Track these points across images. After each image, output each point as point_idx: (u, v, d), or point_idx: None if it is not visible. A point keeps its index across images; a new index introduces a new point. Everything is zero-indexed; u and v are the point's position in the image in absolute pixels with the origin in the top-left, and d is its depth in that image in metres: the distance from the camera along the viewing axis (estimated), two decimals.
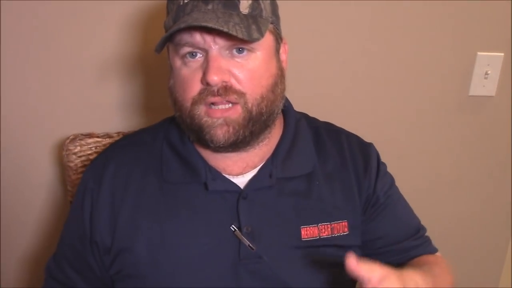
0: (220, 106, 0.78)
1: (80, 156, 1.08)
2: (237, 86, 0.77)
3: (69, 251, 0.91)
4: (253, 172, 0.86)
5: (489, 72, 1.33)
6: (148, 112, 1.20)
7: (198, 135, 0.81)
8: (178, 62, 0.80)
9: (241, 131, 0.79)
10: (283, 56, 0.86)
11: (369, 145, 0.96)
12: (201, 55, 0.78)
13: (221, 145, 0.80)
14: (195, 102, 0.78)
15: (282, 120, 0.91)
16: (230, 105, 0.78)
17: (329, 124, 0.98)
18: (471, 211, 1.49)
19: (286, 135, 0.89)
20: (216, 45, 0.76)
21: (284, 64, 0.86)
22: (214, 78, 0.75)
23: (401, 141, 1.37)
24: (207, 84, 0.76)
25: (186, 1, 0.77)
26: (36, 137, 1.17)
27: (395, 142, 1.36)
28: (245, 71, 0.78)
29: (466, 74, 1.34)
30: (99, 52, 1.14)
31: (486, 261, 1.55)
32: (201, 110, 0.78)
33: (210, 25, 0.72)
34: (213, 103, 0.78)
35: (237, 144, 0.81)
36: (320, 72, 1.27)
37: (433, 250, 0.98)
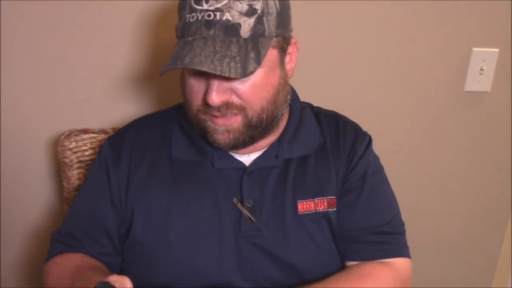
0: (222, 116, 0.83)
1: (75, 152, 1.08)
2: (237, 101, 0.82)
3: (81, 219, 0.95)
4: (260, 152, 0.92)
5: (484, 67, 1.33)
6: (143, 107, 1.20)
7: (202, 135, 0.88)
8: (188, 73, 0.84)
9: (241, 137, 0.85)
10: (292, 56, 0.89)
11: (364, 133, 1.00)
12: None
13: (223, 148, 0.87)
14: (199, 110, 0.84)
15: (288, 108, 0.95)
16: (231, 114, 0.83)
17: (331, 111, 1.02)
18: (467, 207, 1.49)
19: (291, 121, 0.94)
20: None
21: (291, 65, 0.89)
22: (214, 101, 0.79)
23: (396, 136, 1.37)
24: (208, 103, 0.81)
25: (191, 20, 0.79)
26: (32, 133, 1.17)
27: (390, 137, 1.36)
28: (245, 87, 0.81)
29: (461, 69, 1.34)
30: (94, 49, 1.15)
31: (480, 258, 1.55)
32: (205, 118, 0.84)
33: (203, 69, 0.75)
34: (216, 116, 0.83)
35: (238, 146, 0.87)
36: (315, 66, 1.27)
37: (390, 255, 0.93)
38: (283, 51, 0.85)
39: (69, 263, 0.90)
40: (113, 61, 1.16)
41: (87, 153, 1.08)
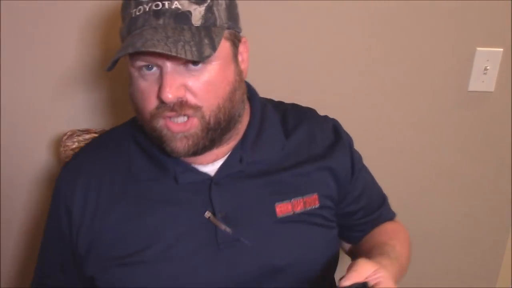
0: (178, 119, 0.78)
1: None
2: (192, 100, 0.77)
3: (49, 271, 0.93)
4: (223, 159, 0.87)
5: (488, 67, 1.33)
6: None
7: (159, 144, 0.82)
8: (135, 73, 0.79)
9: (201, 142, 0.80)
10: (244, 56, 0.85)
11: (338, 125, 0.98)
12: (157, 68, 0.77)
13: (182, 156, 0.82)
14: (153, 115, 0.79)
15: (248, 107, 0.91)
16: (186, 118, 0.78)
17: (296, 105, 0.99)
18: (470, 207, 1.48)
19: (253, 121, 0.90)
20: (169, 62, 0.75)
21: (244, 65, 0.85)
22: (169, 96, 0.75)
23: (400, 136, 1.37)
24: (163, 101, 0.76)
25: (138, 13, 0.76)
26: (33, 133, 1.17)
27: (394, 137, 1.36)
28: (200, 84, 0.77)
29: (465, 69, 1.33)
30: (95, 50, 1.14)
31: (485, 258, 1.55)
32: (160, 123, 0.79)
33: (158, 50, 0.71)
34: (170, 117, 0.78)
35: (199, 152, 0.82)
36: (319, 68, 1.26)
37: (393, 215, 1.03)
38: (235, 46, 0.82)
39: None
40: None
41: None
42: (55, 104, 1.16)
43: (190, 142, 0.79)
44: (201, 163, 0.86)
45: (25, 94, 1.15)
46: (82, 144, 1.07)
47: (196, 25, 0.75)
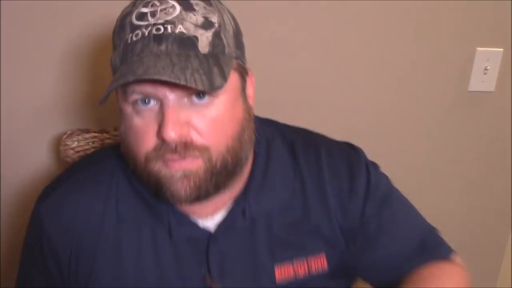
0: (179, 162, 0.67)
1: (77, 151, 1.08)
2: (198, 140, 0.66)
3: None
4: (223, 210, 0.76)
5: (488, 67, 1.33)
6: None
7: (156, 189, 0.70)
8: (128, 109, 0.68)
9: (203, 185, 0.68)
10: (250, 91, 0.74)
11: (355, 158, 0.82)
12: (155, 102, 0.66)
13: (183, 201, 0.70)
14: (150, 158, 0.67)
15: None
16: (190, 158, 0.67)
17: (307, 136, 0.85)
18: (470, 207, 1.48)
19: (257, 165, 0.77)
20: (172, 94, 0.64)
21: (251, 101, 0.74)
22: (172, 135, 0.63)
23: (400, 136, 1.37)
24: (164, 140, 0.65)
25: (134, 38, 0.65)
26: (33, 133, 1.17)
27: (393, 137, 1.36)
28: (207, 121, 0.66)
29: (465, 69, 1.33)
30: (95, 49, 1.14)
31: (485, 258, 1.54)
32: (158, 165, 0.67)
33: (164, 78, 0.60)
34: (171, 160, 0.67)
35: (201, 197, 0.70)
36: (318, 68, 1.26)
37: (441, 256, 0.82)
38: (243, 79, 0.72)
39: None
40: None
41: (89, 152, 1.08)
42: (55, 103, 1.16)
43: (192, 184, 0.67)
44: (200, 216, 0.76)
45: (25, 93, 1.14)
46: (82, 143, 1.07)
47: (203, 53, 0.65)
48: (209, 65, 0.64)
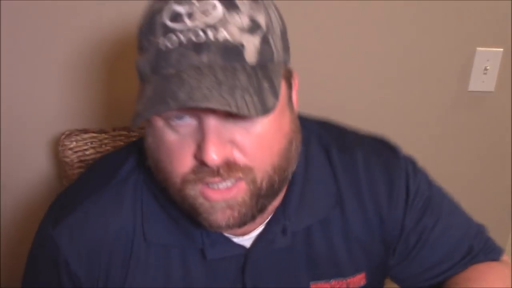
0: (220, 185, 0.58)
1: (76, 152, 1.08)
2: (242, 160, 0.57)
3: None
4: (261, 226, 0.69)
5: (488, 67, 1.33)
6: None
7: (192, 216, 0.62)
8: (159, 122, 0.58)
9: (249, 213, 0.60)
10: (294, 97, 0.66)
11: (394, 164, 0.75)
12: (192, 118, 0.57)
13: (223, 231, 0.65)
14: (187, 181, 0.59)
15: None
16: (233, 180, 0.58)
17: (340, 138, 0.77)
18: (470, 207, 1.48)
19: (296, 175, 0.68)
20: (214, 113, 0.55)
21: (295, 107, 0.66)
22: (214, 158, 0.54)
23: (400, 136, 1.36)
24: (203, 163, 0.56)
25: (169, 45, 0.55)
26: (32, 133, 1.17)
27: (393, 137, 1.34)
28: (251, 138, 0.57)
29: (465, 69, 1.33)
30: (93, 49, 1.14)
31: None
32: (196, 190, 0.59)
33: (212, 106, 0.50)
34: (212, 182, 0.58)
35: (244, 225, 0.62)
36: (317, 68, 1.26)
37: (488, 257, 0.78)
38: (290, 86, 0.63)
39: None
40: (114, 62, 1.16)
41: (87, 152, 1.08)
42: (53, 103, 1.16)
43: (236, 214, 0.59)
44: (235, 233, 0.68)
45: (24, 94, 1.14)
46: (80, 143, 1.07)
47: (251, 63, 0.55)
48: (258, 80, 0.54)
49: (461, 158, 1.42)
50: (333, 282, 0.71)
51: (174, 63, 0.54)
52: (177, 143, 0.57)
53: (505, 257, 0.79)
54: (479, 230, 0.80)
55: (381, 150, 0.77)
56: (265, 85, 0.55)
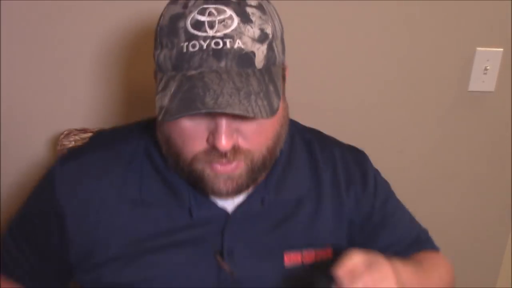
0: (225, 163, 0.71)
1: None
2: (244, 145, 0.70)
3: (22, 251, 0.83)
4: (244, 196, 0.80)
5: (488, 67, 1.32)
6: (141, 108, 1.19)
7: (196, 183, 0.74)
8: None
9: (244, 183, 0.73)
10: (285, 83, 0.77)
11: (363, 159, 0.90)
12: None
13: (223, 197, 0.76)
14: (197, 159, 0.71)
15: None
16: (234, 162, 0.71)
17: (321, 137, 0.91)
18: (470, 207, 1.48)
19: (280, 159, 0.81)
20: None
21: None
22: (225, 145, 0.67)
23: (400, 136, 1.36)
24: (215, 148, 0.68)
25: (192, 49, 0.65)
26: (31, 132, 1.17)
27: (394, 137, 1.35)
28: (254, 128, 0.70)
29: (465, 69, 1.33)
30: (92, 49, 1.14)
31: (484, 259, 1.54)
32: (203, 165, 0.71)
33: (235, 112, 0.63)
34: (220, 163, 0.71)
35: (239, 193, 0.76)
36: (317, 68, 1.26)
37: (433, 248, 0.94)
38: (284, 80, 0.75)
39: None
40: (113, 61, 1.16)
41: None
42: (52, 103, 1.16)
43: (235, 184, 0.72)
44: (220, 197, 0.78)
45: (23, 93, 1.14)
46: (78, 143, 1.07)
47: (259, 68, 0.67)
48: (265, 84, 0.66)
49: (461, 158, 1.42)
50: (304, 252, 0.81)
51: (196, 66, 0.65)
52: (191, 128, 0.69)
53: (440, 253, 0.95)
54: (424, 228, 0.96)
55: (354, 151, 0.91)
56: (271, 88, 0.66)
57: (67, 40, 1.12)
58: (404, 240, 0.91)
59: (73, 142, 1.07)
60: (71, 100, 1.16)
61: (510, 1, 1.29)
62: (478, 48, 1.31)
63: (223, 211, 0.79)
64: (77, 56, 1.14)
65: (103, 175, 0.80)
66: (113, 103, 1.18)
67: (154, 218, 0.79)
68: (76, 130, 1.08)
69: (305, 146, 0.87)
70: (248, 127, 0.69)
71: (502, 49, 1.32)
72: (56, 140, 1.10)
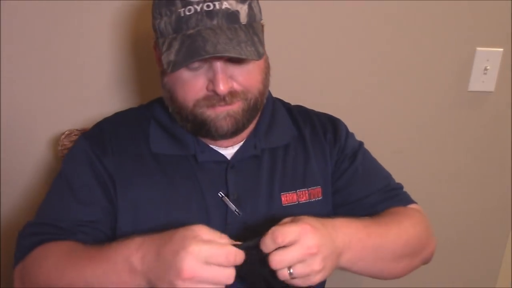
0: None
1: None
2: (239, 88, 0.83)
3: (63, 212, 0.91)
4: (239, 144, 0.93)
5: (488, 67, 1.33)
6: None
7: (200, 127, 0.87)
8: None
9: (241, 121, 0.86)
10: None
11: (336, 119, 1.02)
12: (204, 63, 0.81)
13: (224, 135, 0.87)
14: (198, 104, 0.84)
15: None
16: (234, 101, 0.84)
17: (299, 106, 1.04)
18: (470, 207, 1.48)
19: (266, 111, 0.95)
20: (222, 59, 0.80)
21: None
22: (223, 89, 0.80)
23: (400, 136, 1.36)
24: (215, 92, 0.81)
25: (188, 13, 0.79)
26: (32, 132, 1.17)
27: (393, 137, 1.35)
28: (245, 74, 0.83)
29: (465, 69, 1.33)
30: (93, 50, 1.14)
31: (484, 259, 1.54)
32: (204, 109, 0.84)
33: (232, 54, 0.77)
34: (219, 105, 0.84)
35: (238, 132, 0.88)
36: (317, 68, 1.26)
37: (405, 203, 0.97)
38: (263, 34, 0.87)
39: (58, 249, 0.85)
40: (113, 62, 1.16)
41: None
42: (53, 103, 1.16)
43: (233, 120, 0.85)
44: (221, 146, 0.92)
45: (24, 94, 1.14)
46: None
47: (244, 23, 0.81)
48: (251, 36, 0.80)
49: (461, 158, 1.42)
50: (298, 192, 0.94)
51: (194, 26, 0.79)
52: (191, 78, 0.83)
53: (417, 206, 1.00)
54: (392, 178, 1.02)
55: (330, 116, 1.03)
56: (255, 39, 0.81)
57: (67, 40, 1.12)
58: (374, 182, 0.98)
59: (73, 142, 1.07)
60: (72, 101, 1.16)
61: (510, 1, 1.29)
62: (478, 48, 1.31)
63: (224, 157, 0.91)
64: (78, 56, 1.14)
65: (119, 136, 0.93)
66: (114, 103, 1.18)
67: (166, 165, 0.90)
68: (77, 130, 1.09)
69: (286, 110, 1.01)
70: (240, 72, 0.83)
71: (502, 49, 1.33)
72: (57, 140, 1.11)
